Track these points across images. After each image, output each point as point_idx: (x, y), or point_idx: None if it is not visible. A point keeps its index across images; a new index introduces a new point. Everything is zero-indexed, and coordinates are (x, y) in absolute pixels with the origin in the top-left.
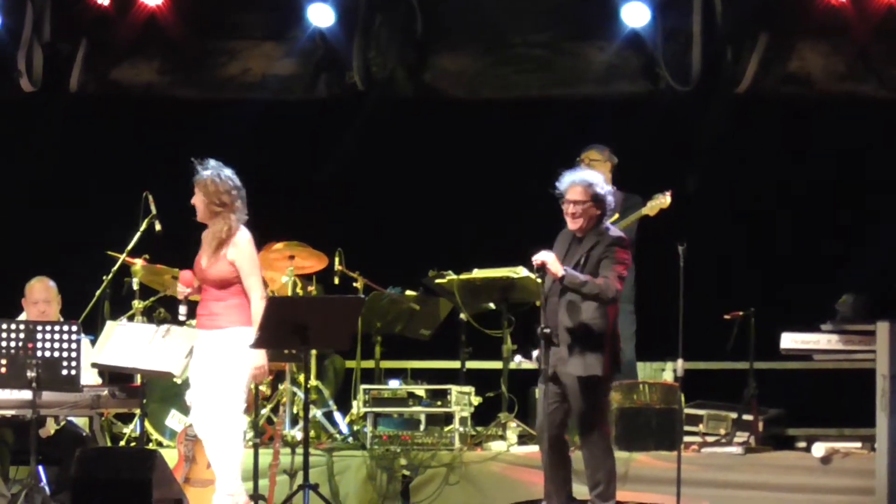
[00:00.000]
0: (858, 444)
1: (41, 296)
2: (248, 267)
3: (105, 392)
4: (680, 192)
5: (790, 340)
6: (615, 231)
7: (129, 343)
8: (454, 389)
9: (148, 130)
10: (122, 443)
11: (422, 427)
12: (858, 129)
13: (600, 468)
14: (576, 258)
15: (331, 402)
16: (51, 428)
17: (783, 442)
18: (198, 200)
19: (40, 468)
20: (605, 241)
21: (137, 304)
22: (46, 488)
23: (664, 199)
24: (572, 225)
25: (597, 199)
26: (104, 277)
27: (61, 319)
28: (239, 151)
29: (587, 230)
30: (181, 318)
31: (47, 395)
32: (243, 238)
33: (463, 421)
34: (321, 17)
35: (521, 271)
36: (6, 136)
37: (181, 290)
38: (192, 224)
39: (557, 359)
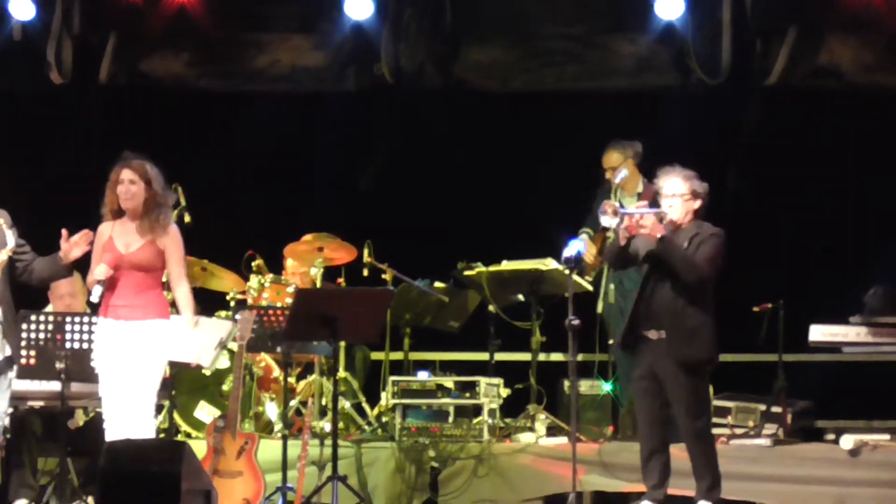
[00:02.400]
0: (887, 437)
1: (67, 289)
2: (180, 256)
3: None
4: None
5: (819, 333)
6: (713, 226)
7: None
8: (483, 381)
9: (177, 123)
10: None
11: (450, 419)
12: (888, 122)
13: (707, 462)
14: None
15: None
16: (79, 419)
17: (812, 434)
18: (139, 189)
19: (68, 460)
20: (705, 231)
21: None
22: (75, 480)
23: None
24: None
25: (695, 193)
26: None
27: (88, 311)
28: (267, 143)
29: (685, 224)
30: (94, 298)
31: (76, 387)
32: (175, 229)
33: (492, 413)
34: (358, 9)
35: (550, 263)
36: (36, 128)
37: (99, 276)
38: (222, 215)
39: (654, 349)
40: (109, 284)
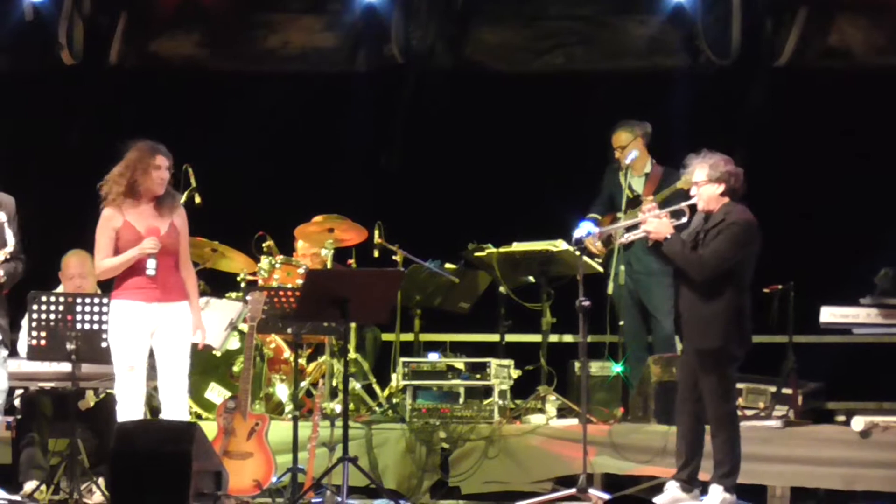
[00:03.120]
0: None
1: (77, 270)
2: (188, 237)
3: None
4: None
5: (829, 314)
6: (743, 212)
7: None
8: (493, 362)
9: (187, 103)
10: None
11: (461, 400)
12: None
13: (726, 448)
14: (695, 233)
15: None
16: (90, 400)
17: (822, 415)
18: (168, 175)
19: (79, 441)
20: (729, 218)
21: None
22: (86, 461)
23: None
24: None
25: (714, 177)
26: None
27: (98, 292)
28: (277, 124)
29: (716, 209)
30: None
31: (87, 368)
32: (183, 210)
33: (502, 394)
34: None
35: (560, 244)
36: (47, 108)
37: (153, 247)
38: (233, 196)
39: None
40: (140, 267)
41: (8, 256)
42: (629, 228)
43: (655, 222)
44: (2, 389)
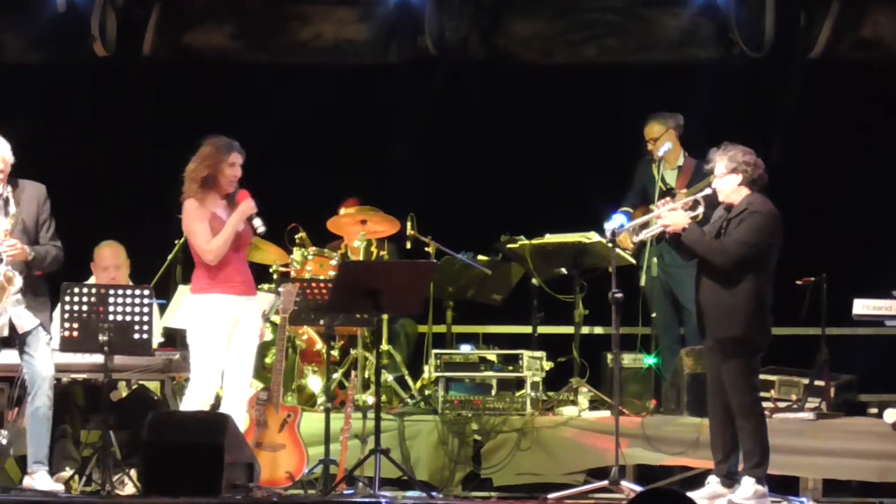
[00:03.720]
0: None
1: (111, 261)
2: None
3: (177, 356)
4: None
5: (862, 306)
6: (765, 202)
7: None
8: (526, 354)
9: (219, 95)
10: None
11: (493, 392)
12: None
13: (753, 438)
14: (719, 224)
15: (403, 368)
16: (122, 391)
17: (855, 408)
18: (240, 171)
19: (111, 432)
20: (752, 208)
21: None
22: (118, 452)
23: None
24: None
25: (734, 170)
26: (176, 242)
27: (131, 284)
28: (310, 116)
29: (738, 200)
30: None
31: (119, 359)
32: None
33: (534, 386)
34: None
35: (592, 236)
36: (80, 100)
37: (253, 206)
38: (262, 188)
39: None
40: (227, 261)
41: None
42: (643, 226)
43: (670, 215)
44: (46, 376)
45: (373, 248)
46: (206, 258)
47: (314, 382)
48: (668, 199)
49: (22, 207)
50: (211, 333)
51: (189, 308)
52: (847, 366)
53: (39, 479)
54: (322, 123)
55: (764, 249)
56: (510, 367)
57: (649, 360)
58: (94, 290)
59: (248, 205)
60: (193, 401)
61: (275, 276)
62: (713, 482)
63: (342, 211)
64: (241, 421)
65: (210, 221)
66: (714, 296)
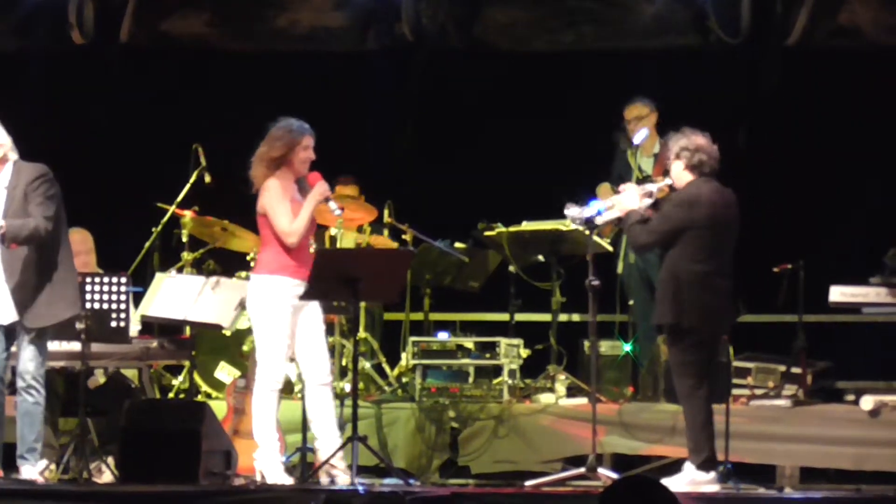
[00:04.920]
0: None
1: (81, 246)
2: None
3: (154, 344)
4: (729, 145)
5: (839, 293)
6: (696, 186)
7: (178, 295)
8: (503, 342)
9: (197, 82)
10: (171, 395)
11: (470, 379)
12: None
13: (690, 425)
14: None
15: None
16: (99, 378)
17: (832, 395)
18: (312, 154)
19: (88, 420)
20: (673, 195)
21: (187, 255)
22: (95, 440)
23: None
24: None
25: (676, 155)
26: (153, 229)
27: (100, 270)
28: (287, 103)
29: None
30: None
31: (96, 347)
32: None
33: (512, 373)
34: None
35: (570, 224)
36: (58, 87)
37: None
38: (242, 176)
39: None
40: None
41: None
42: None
43: (621, 197)
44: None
45: (366, 237)
46: (288, 240)
47: (291, 370)
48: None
49: (11, 187)
50: (277, 316)
51: (255, 289)
52: (824, 353)
53: (25, 473)
54: (299, 111)
55: (676, 234)
56: (487, 355)
57: (626, 348)
58: None
59: (322, 187)
60: (265, 384)
61: (252, 264)
62: (688, 468)
63: (337, 191)
64: (328, 404)
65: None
66: (660, 278)
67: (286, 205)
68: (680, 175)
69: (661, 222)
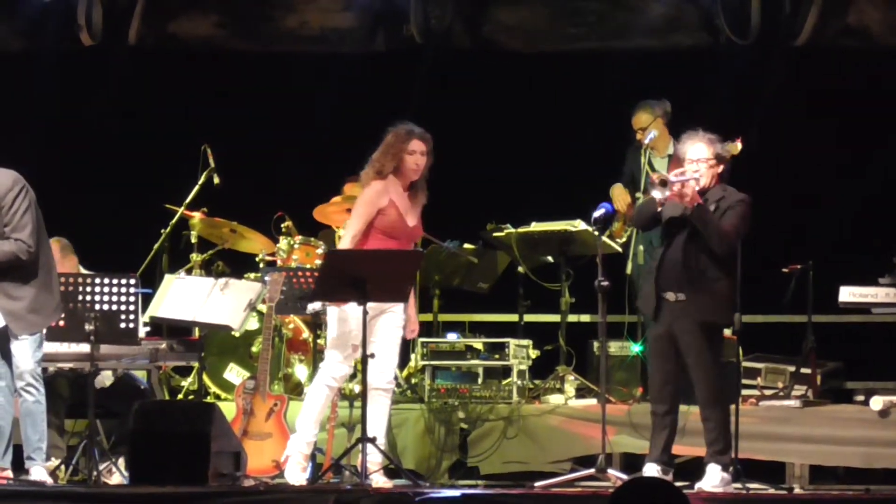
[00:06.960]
0: None
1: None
2: None
3: (163, 345)
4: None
5: (848, 294)
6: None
7: (187, 296)
8: (512, 343)
9: (206, 83)
10: (181, 396)
11: (480, 380)
12: None
13: (719, 426)
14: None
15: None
16: (106, 379)
17: (841, 395)
18: (426, 161)
19: (97, 421)
20: (731, 196)
21: (196, 257)
22: (104, 441)
23: (734, 147)
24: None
25: (719, 157)
26: (162, 231)
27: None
28: (296, 104)
29: (710, 188)
30: None
31: (105, 349)
32: None
33: (521, 374)
34: None
35: (579, 224)
36: (66, 89)
37: None
38: (252, 177)
39: (672, 311)
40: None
41: None
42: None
43: (694, 185)
44: (26, 369)
45: None
46: (340, 242)
47: (301, 371)
48: (682, 169)
49: None
50: (348, 314)
51: None
52: (833, 353)
53: (34, 473)
54: (307, 111)
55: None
56: (496, 356)
57: (636, 348)
58: (80, 280)
59: None
60: (323, 377)
61: (261, 265)
62: (716, 470)
63: (345, 191)
64: (385, 408)
65: (386, 208)
66: (696, 279)
67: (366, 210)
68: (714, 178)
69: (740, 222)
